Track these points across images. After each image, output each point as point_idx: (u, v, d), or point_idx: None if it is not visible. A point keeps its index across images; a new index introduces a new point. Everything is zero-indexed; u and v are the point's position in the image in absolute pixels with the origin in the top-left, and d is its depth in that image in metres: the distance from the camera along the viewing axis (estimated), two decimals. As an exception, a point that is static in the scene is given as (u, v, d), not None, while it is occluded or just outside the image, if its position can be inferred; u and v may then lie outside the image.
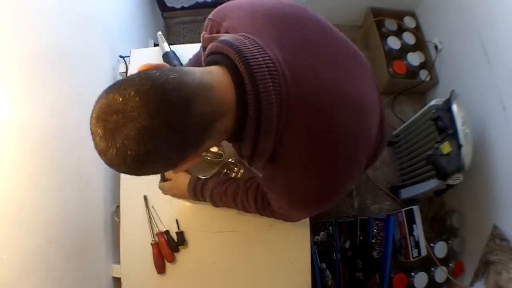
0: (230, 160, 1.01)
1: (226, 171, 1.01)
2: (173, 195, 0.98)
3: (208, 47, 0.62)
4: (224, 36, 0.61)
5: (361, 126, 0.62)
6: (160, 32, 1.19)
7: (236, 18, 0.66)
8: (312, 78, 0.57)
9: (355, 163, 0.63)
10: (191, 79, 0.50)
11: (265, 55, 0.55)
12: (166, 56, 1.14)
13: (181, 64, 1.12)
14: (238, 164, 1.02)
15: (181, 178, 0.94)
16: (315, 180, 0.60)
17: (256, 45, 0.56)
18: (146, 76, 0.48)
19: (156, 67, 0.52)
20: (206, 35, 0.70)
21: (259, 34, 0.59)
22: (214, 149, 0.95)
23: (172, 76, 0.48)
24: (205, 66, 0.60)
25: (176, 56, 1.14)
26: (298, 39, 0.61)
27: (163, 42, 1.16)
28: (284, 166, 0.60)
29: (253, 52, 0.55)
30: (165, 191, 0.97)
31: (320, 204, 0.65)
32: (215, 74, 0.55)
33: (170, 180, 0.96)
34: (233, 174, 1.01)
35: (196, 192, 0.92)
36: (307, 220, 1.04)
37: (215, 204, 0.92)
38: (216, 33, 0.68)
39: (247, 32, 0.59)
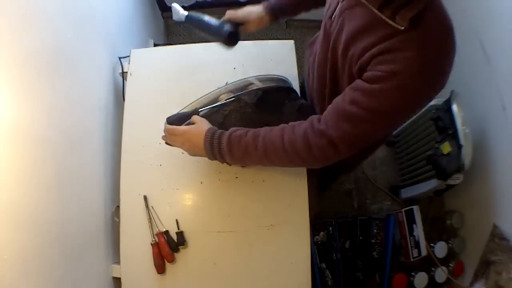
0: None
1: None
2: (182, 144, 0.87)
3: None
4: None
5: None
6: (174, 3, 1.02)
7: None
8: None
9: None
10: None
11: None
12: (189, 17, 1.00)
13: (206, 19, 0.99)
14: None
15: (204, 123, 0.86)
16: (446, 51, 0.64)
17: None
18: None
19: None
20: None
21: None
22: None
23: None
24: None
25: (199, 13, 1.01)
26: None
27: (179, 8, 1.01)
28: (426, 28, 0.61)
29: None
30: (176, 136, 0.87)
31: (431, 82, 0.65)
32: None
33: (192, 124, 0.87)
34: None
35: (214, 137, 0.82)
36: (307, 220, 1.04)
37: (232, 154, 0.81)
38: None
39: None
